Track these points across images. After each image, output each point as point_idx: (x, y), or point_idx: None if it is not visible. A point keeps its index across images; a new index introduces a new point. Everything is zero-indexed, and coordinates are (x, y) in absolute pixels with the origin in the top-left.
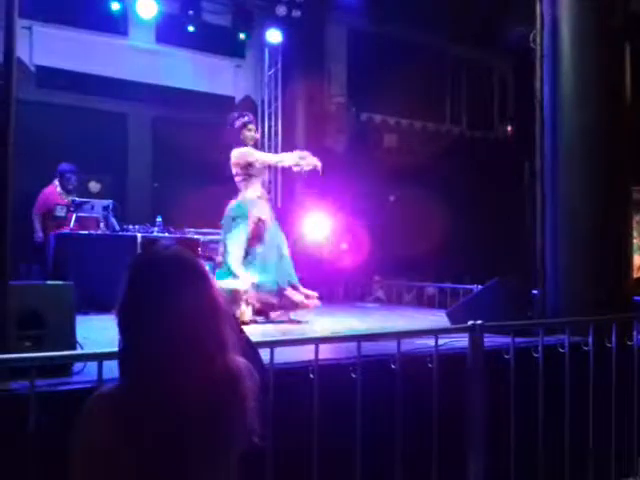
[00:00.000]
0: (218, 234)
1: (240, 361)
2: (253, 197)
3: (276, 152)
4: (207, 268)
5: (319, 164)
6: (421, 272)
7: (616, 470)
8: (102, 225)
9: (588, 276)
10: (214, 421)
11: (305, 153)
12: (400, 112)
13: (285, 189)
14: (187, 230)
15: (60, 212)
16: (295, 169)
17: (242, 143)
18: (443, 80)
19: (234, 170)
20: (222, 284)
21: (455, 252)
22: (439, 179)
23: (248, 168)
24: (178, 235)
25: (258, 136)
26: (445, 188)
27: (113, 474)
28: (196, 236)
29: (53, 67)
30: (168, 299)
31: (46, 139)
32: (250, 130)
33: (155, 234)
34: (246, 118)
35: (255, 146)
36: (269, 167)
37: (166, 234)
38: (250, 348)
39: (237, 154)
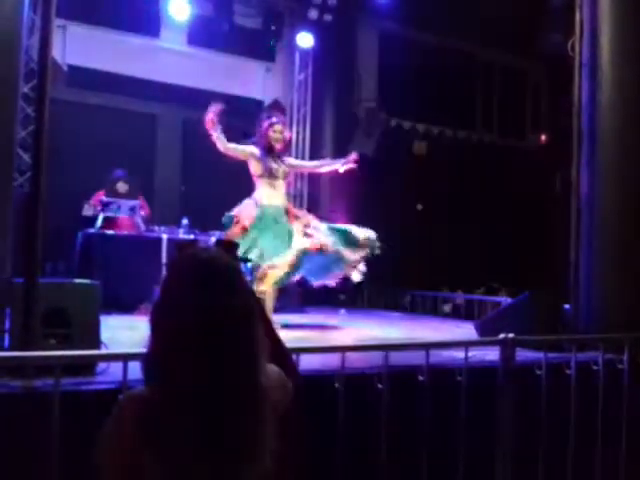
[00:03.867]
0: None
1: (272, 370)
2: (250, 201)
3: (304, 156)
4: (243, 271)
5: None
6: (448, 282)
7: None
8: (139, 223)
9: (623, 291)
10: (241, 430)
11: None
12: (430, 119)
13: (311, 194)
14: (212, 233)
15: (87, 211)
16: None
17: (268, 144)
18: (474, 87)
19: None
20: None
21: (483, 262)
22: (469, 188)
23: (251, 168)
24: (217, 235)
25: (287, 136)
26: (475, 197)
27: (139, 478)
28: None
29: (85, 67)
30: (202, 303)
31: (75, 138)
32: (275, 131)
33: (180, 236)
34: (273, 119)
35: (287, 147)
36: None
37: (191, 236)
38: (284, 354)
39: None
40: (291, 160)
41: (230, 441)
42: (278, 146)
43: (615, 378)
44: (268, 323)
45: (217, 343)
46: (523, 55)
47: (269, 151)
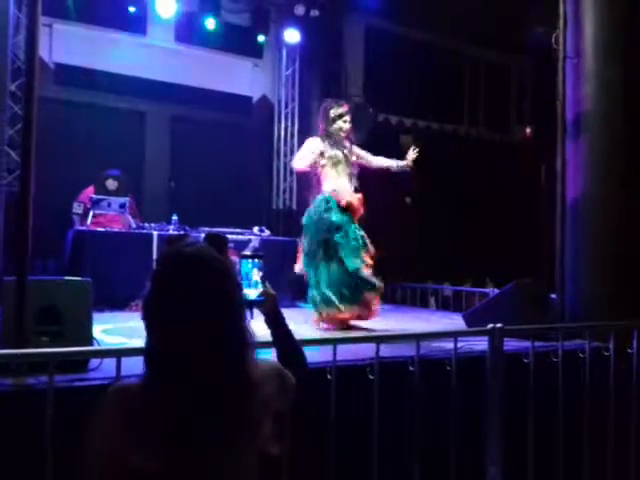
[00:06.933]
0: (234, 233)
1: (266, 363)
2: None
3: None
4: (232, 266)
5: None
6: (437, 274)
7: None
8: (129, 220)
9: (609, 281)
10: (228, 424)
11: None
12: (417, 113)
13: (300, 189)
14: (202, 229)
15: (77, 209)
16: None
17: (331, 133)
18: (461, 81)
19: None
20: None
21: (472, 255)
22: (456, 181)
23: (319, 160)
24: (208, 230)
25: (350, 127)
26: (462, 190)
27: (121, 472)
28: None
29: (72, 65)
30: (187, 298)
31: (64, 136)
32: (345, 122)
33: (170, 232)
34: (342, 109)
35: (347, 138)
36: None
37: (182, 232)
38: (295, 348)
39: (310, 144)
40: (354, 148)
41: (217, 431)
42: (343, 134)
43: (601, 365)
44: (279, 316)
45: (202, 336)
46: (507, 49)
47: (334, 140)
